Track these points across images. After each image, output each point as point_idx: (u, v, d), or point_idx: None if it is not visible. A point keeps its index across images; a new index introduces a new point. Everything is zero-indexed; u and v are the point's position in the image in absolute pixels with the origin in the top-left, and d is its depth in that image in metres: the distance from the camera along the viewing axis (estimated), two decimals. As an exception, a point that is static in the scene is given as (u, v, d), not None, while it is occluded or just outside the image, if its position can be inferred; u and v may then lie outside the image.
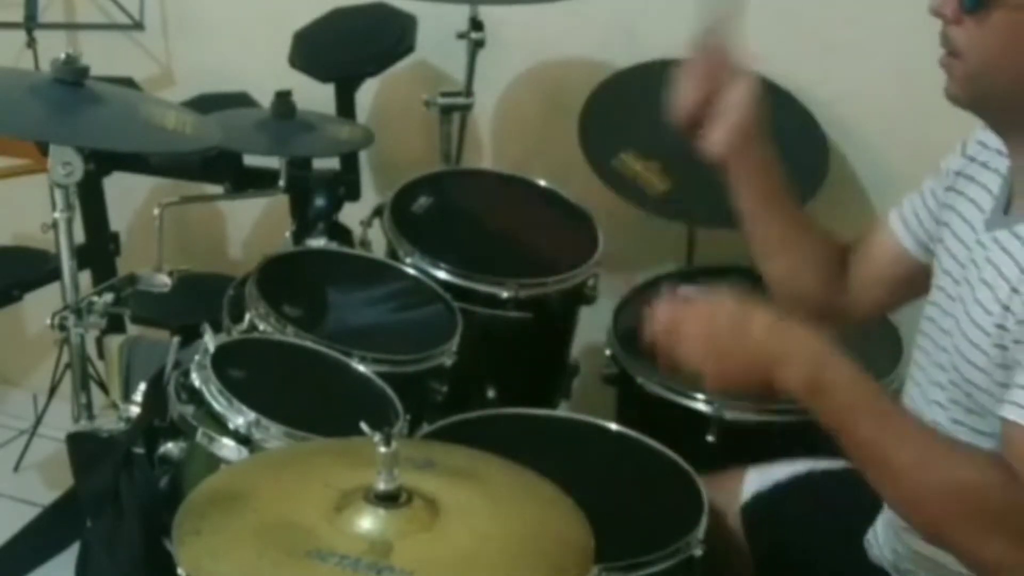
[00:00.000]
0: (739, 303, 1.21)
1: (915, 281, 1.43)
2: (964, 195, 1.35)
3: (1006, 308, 1.18)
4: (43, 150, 2.01)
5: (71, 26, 2.69)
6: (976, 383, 1.23)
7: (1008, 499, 1.11)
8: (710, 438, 1.79)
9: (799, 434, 1.75)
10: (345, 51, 2.38)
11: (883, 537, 1.44)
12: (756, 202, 1.48)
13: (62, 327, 1.75)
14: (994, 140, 1.32)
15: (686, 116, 1.46)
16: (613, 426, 1.68)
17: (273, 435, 1.49)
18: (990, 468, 1.12)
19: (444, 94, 2.26)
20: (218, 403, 1.51)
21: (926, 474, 1.13)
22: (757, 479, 1.62)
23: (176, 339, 1.68)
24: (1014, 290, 1.18)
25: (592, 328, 2.10)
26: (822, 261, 1.50)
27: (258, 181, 2.32)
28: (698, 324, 1.22)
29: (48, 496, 2.22)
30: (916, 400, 1.36)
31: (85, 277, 2.23)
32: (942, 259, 1.35)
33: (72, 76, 1.68)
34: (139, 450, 1.60)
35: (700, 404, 1.81)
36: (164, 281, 1.84)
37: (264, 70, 2.34)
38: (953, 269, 1.31)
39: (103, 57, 2.13)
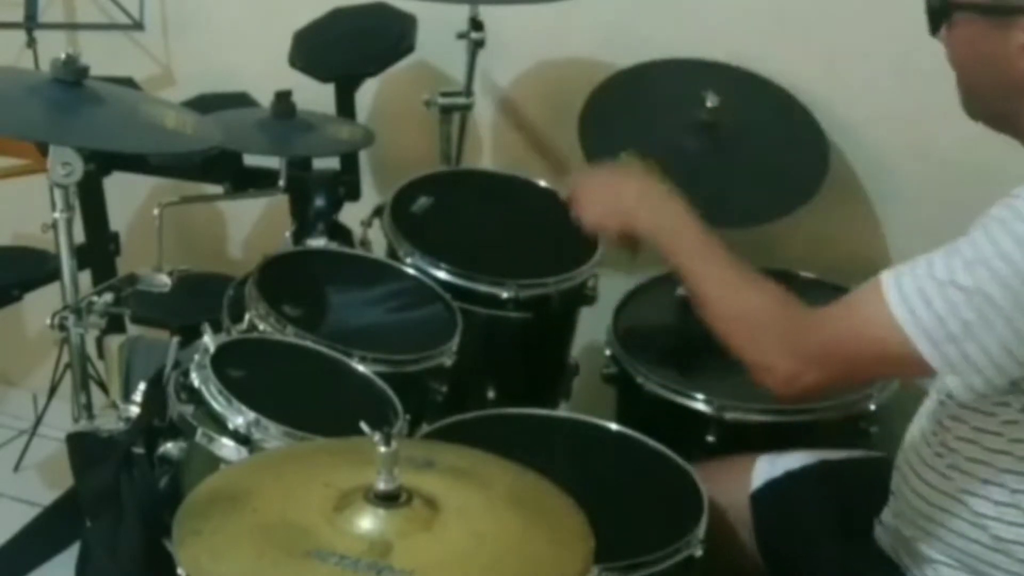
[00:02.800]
0: (610, 177, 1.67)
1: None
2: None
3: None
4: (43, 150, 2.01)
5: (71, 26, 2.69)
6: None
7: (790, 329, 1.35)
8: (710, 438, 1.79)
9: (799, 434, 1.76)
10: (345, 51, 2.37)
11: (895, 518, 1.44)
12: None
13: (62, 327, 1.75)
14: None
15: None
16: (613, 426, 1.68)
17: (273, 435, 1.49)
18: (777, 302, 1.38)
19: (444, 94, 2.26)
20: (218, 403, 1.51)
21: (726, 296, 1.44)
22: (768, 467, 1.63)
23: (176, 339, 1.68)
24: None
25: (592, 328, 2.10)
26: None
27: (258, 181, 2.32)
28: (588, 184, 1.67)
29: (48, 496, 2.23)
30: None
31: (85, 277, 2.23)
32: None
33: (72, 76, 1.68)
34: (139, 450, 1.60)
35: (700, 404, 1.81)
36: (164, 281, 1.84)
37: (264, 70, 2.34)
38: None
39: (103, 57, 2.13)
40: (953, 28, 1.27)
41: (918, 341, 1.21)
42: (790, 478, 1.61)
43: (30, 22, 2.52)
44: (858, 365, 1.31)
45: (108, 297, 1.77)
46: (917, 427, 1.43)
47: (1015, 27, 1.22)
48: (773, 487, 1.61)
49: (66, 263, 1.77)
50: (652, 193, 1.58)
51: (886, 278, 1.26)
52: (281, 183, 2.17)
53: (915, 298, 1.22)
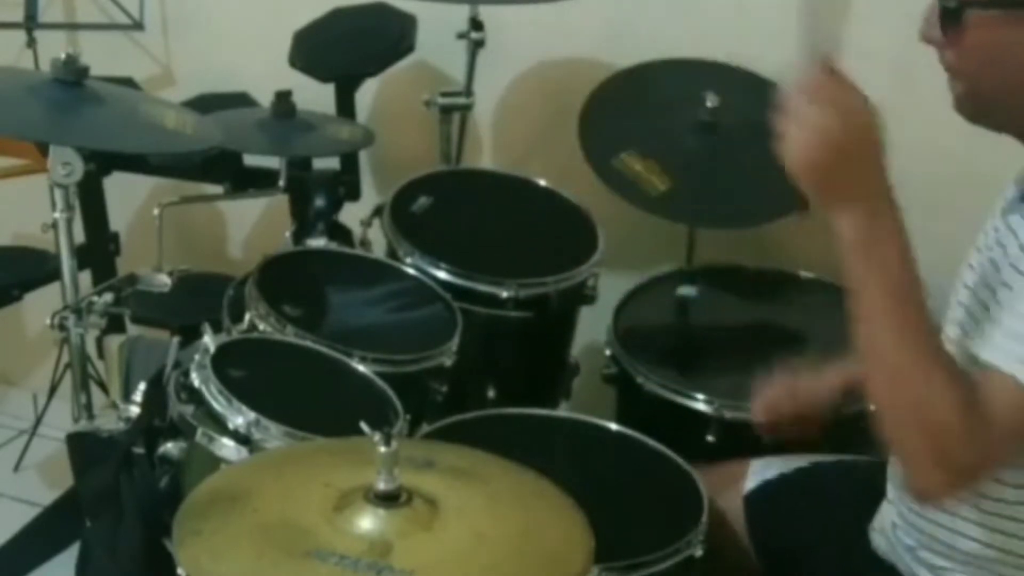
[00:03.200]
0: (876, 131, 1.29)
1: None
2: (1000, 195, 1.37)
3: (1006, 285, 1.21)
4: (43, 150, 2.01)
5: (71, 26, 2.69)
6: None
7: (969, 444, 1.13)
8: (710, 438, 1.79)
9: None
10: (345, 51, 2.37)
11: (900, 525, 1.44)
12: None
13: (62, 327, 1.75)
14: None
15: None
16: (613, 426, 1.68)
17: (273, 435, 1.49)
18: (967, 410, 1.13)
19: (444, 94, 2.26)
20: (218, 403, 1.51)
21: (909, 379, 1.15)
22: (762, 469, 1.63)
23: (176, 339, 1.68)
24: (1012, 266, 1.20)
25: (592, 328, 2.10)
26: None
27: (258, 181, 2.32)
28: (825, 117, 1.24)
29: (48, 496, 2.23)
30: None
31: (85, 277, 2.23)
32: (971, 255, 1.37)
33: (72, 76, 1.68)
34: (139, 450, 1.60)
35: (700, 404, 1.81)
36: (164, 281, 1.84)
37: (264, 70, 2.34)
38: (974, 259, 1.34)
39: (103, 57, 2.12)
40: (965, 30, 1.24)
41: None
42: (783, 480, 1.61)
43: (30, 22, 2.52)
44: (1007, 445, 1.18)
45: (108, 297, 1.77)
46: None
47: None
48: (766, 488, 1.61)
49: (66, 263, 1.77)
50: (882, 197, 1.25)
51: (1003, 364, 1.15)
52: (281, 183, 2.17)
53: None
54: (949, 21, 1.25)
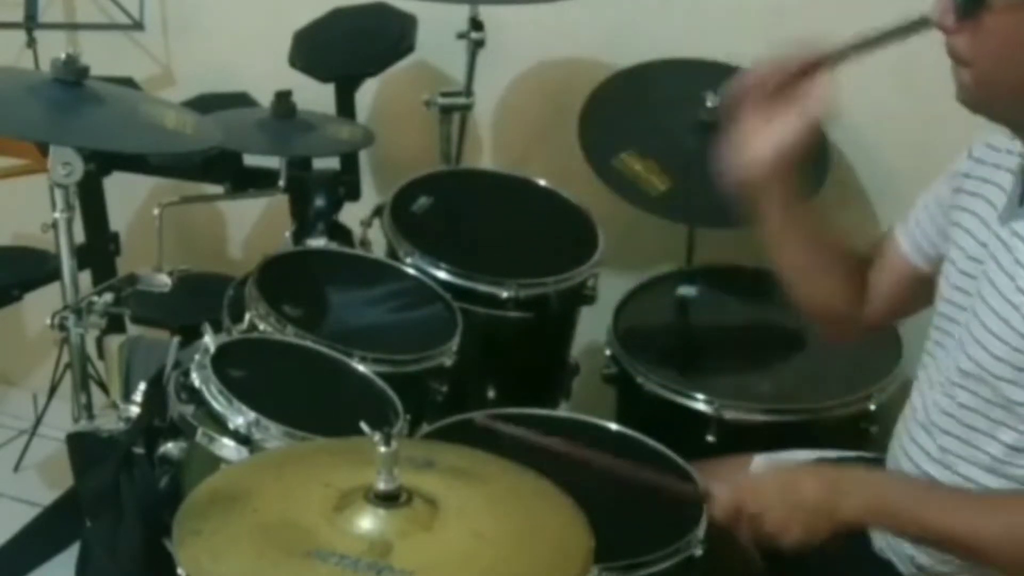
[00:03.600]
0: (780, 476, 1.39)
1: (926, 291, 1.45)
2: (977, 195, 1.36)
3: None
4: (43, 150, 2.01)
5: (71, 26, 2.69)
6: (1000, 375, 1.25)
7: None
8: (710, 438, 1.79)
9: (800, 434, 1.76)
10: (345, 51, 2.37)
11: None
12: (783, 230, 1.48)
13: (62, 327, 1.75)
14: (1003, 141, 1.34)
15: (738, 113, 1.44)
16: (613, 426, 1.68)
17: (273, 435, 1.49)
18: None
19: (444, 94, 2.26)
20: (218, 403, 1.51)
21: (1013, 537, 1.22)
22: (764, 466, 1.62)
23: (176, 339, 1.68)
24: None
25: (592, 328, 2.10)
26: (848, 282, 1.53)
27: (258, 181, 2.32)
28: (756, 506, 1.34)
29: (48, 496, 2.23)
30: (929, 399, 1.38)
31: (85, 277, 2.23)
32: (957, 260, 1.36)
33: (72, 76, 1.68)
34: (139, 450, 1.60)
35: (700, 404, 1.81)
36: (164, 281, 1.84)
37: (264, 70, 2.34)
38: (969, 267, 1.33)
39: (103, 57, 2.12)
40: (986, 16, 1.21)
41: None
42: None
43: (30, 22, 2.52)
44: None
45: (108, 297, 1.77)
46: (907, 436, 1.42)
47: None
48: None
49: (66, 263, 1.77)
50: (832, 478, 1.35)
51: None
52: (281, 183, 2.17)
53: None
54: (970, 5, 1.21)
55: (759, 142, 1.40)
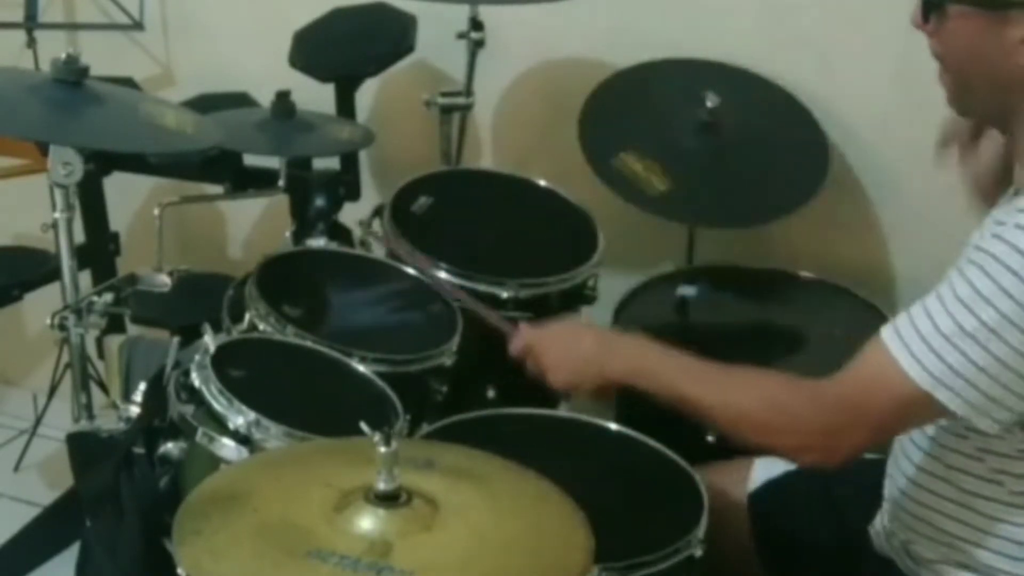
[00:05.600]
0: (569, 327, 1.62)
1: None
2: None
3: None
4: (43, 150, 2.01)
5: (71, 26, 2.69)
6: None
7: (794, 412, 1.32)
8: (710, 438, 1.79)
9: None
10: (345, 51, 2.37)
11: (891, 523, 1.45)
12: None
13: (62, 327, 1.75)
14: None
15: None
16: (613, 426, 1.68)
17: (273, 435, 1.49)
18: (777, 382, 1.36)
19: (444, 94, 2.26)
20: (218, 403, 1.51)
21: (738, 404, 1.36)
22: (767, 467, 1.63)
23: (176, 339, 1.68)
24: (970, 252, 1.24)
25: (592, 328, 2.10)
26: None
27: (258, 181, 2.32)
28: (542, 346, 1.56)
29: (48, 496, 2.23)
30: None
31: (85, 277, 2.23)
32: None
33: (72, 76, 1.68)
34: (139, 450, 1.60)
35: (700, 404, 1.80)
36: (164, 281, 1.84)
37: (264, 70, 2.34)
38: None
39: (103, 57, 2.12)
40: (946, 21, 1.25)
41: (939, 394, 1.21)
42: (787, 478, 1.61)
43: (30, 22, 2.52)
44: (886, 422, 1.29)
45: (108, 297, 1.77)
46: (906, 436, 1.43)
47: (1011, 22, 1.20)
48: (771, 487, 1.62)
49: (66, 263, 1.77)
50: (609, 338, 1.59)
51: (888, 338, 1.25)
52: (281, 183, 2.17)
53: (927, 355, 1.21)
54: (930, 10, 1.26)
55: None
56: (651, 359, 1.45)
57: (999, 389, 1.19)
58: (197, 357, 1.57)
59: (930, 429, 1.36)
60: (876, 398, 1.26)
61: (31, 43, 2.52)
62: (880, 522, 1.49)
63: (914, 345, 1.22)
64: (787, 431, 1.32)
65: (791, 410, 1.32)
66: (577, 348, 1.52)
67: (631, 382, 1.46)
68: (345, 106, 2.37)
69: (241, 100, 2.41)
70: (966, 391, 1.20)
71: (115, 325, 2.22)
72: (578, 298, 2.03)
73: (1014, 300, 1.16)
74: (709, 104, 2.07)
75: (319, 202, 2.12)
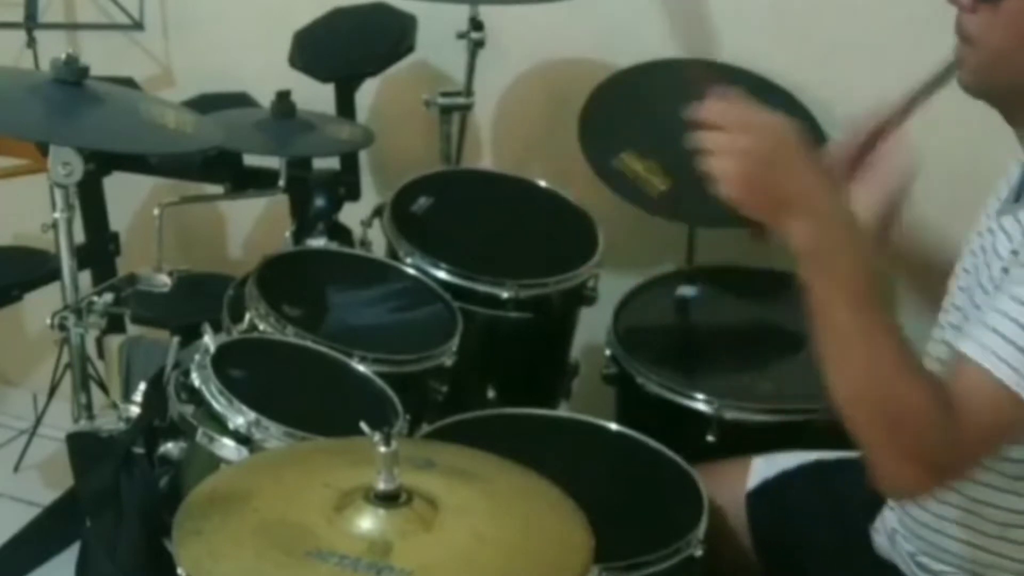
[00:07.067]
0: (796, 137, 1.21)
1: None
2: (992, 189, 1.36)
3: (997, 288, 1.19)
4: (43, 150, 2.01)
5: (71, 26, 2.69)
6: None
7: (939, 438, 1.12)
8: (710, 438, 1.79)
9: (799, 434, 1.76)
10: (345, 51, 2.37)
11: (901, 531, 1.44)
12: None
13: (62, 327, 1.75)
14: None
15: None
16: (613, 426, 1.68)
17: (273, 435, 1.49)
18: (936, 404, 1.12)
19: (444, 94, 2.26)
20: (218, 403, 1.51)
21: (876, 380, 1.13)
22: (764, 467, 1.63)
23: (176, 339, 1.68)
24: (1004, 269, 1.20)
25: (592, 328, 2.10)
26: None
27: (258, 181, 2.32)
28: (743, 139, 1.22)
29: (48, 496, 2.22)
30: None
31: (85, 277, 2.23)
32: (964, 258, 1.36)
33: (72, 76, 1.68)
34: (139, 450, 1.60)
35: (700, 404, 1.80)
36: (164, 281, 1.84)
37: (264, 70, 2.34)
38: (969, 263, 1.34)
39: (103, 57, 2.13)
40: (1007, 2, 1.20)
41: None
42: (785, 477, 1.61)
43: (30, 22, 2.52)
44: (990, 441, 1.18)
45: (108, 297, 1.77)
46: None
47: None
48: (769, 486, 1.62)
49: (66, 263, 1.77)
50: (825, 200, 1.19)
51: (982, 359, 1.14)
52: (281, 183, 2.17)
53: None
54: None
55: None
56: (851, 265, 1.16)
57: None
58: (197, 357, 1.57)
59: None
60: (992, 434, 1.16)
61: (31, 43, 2.52)
62: (882, 524, 1.49)
63: (1002, 351, 1.13)
64: (902, 451, 1.14)
65: (927, 438, 1.13)
66: (777, 173, 1.20)
67: (806, 258, 1.20)
68: (345, 106, 2.37)
69: (241, 100, 2.41)
70: None
71: (115, 325, 2.22)
72: (578, 298, 2.03)
73: None
74: (709, 104, 2.07)
75: (319, 202, 2.12)
